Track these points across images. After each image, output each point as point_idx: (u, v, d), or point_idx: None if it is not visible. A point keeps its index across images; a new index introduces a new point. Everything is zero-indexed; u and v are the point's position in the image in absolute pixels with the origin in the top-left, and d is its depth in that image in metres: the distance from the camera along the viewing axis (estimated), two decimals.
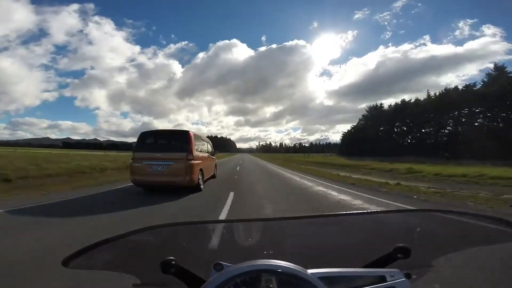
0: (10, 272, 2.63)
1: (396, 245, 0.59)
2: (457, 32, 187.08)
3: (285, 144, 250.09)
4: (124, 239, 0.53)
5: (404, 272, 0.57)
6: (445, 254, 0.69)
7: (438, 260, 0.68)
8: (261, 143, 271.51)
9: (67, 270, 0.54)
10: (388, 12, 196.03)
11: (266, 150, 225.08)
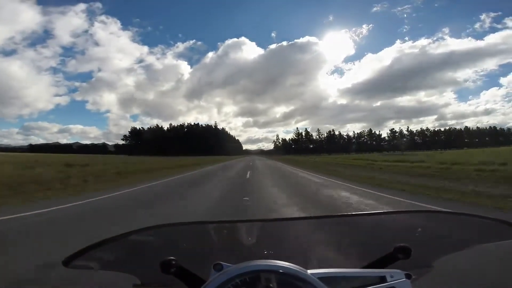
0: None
1: (396, 245, 0.59)
2: (477, 25, 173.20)
3: (320, 136, 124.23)
4: (124, 239, 0.53)
5: (404, 272, 0.56)
6: (445, 254, 0.69)
7: (438, 260, 0.68)
8: (280, 138, 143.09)
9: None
10: (409, 5, 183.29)
11: (297, 149, 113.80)
